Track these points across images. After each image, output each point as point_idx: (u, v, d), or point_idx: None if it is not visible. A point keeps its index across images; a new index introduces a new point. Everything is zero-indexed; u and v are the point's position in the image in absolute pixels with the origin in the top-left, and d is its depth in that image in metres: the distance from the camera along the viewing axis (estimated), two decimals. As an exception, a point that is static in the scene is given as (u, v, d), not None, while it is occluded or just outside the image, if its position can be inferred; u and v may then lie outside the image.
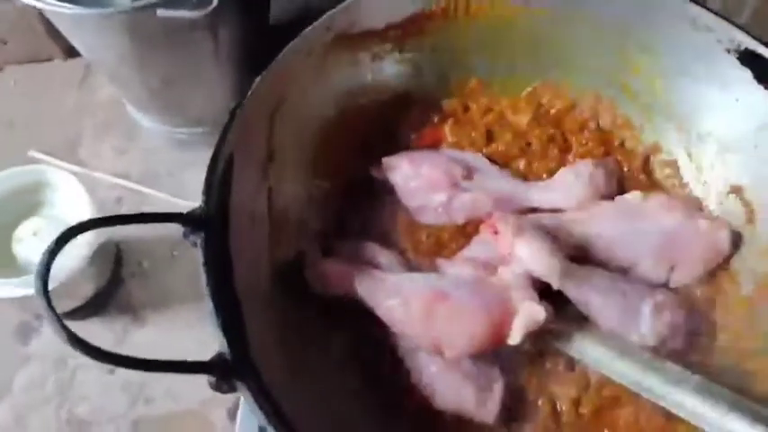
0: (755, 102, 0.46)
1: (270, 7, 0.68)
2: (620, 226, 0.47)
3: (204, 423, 0.56)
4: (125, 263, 0.63)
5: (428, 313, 0.42)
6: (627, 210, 0.48)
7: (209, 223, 0.38)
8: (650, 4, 0.49)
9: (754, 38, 0.46)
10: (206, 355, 0.57)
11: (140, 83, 0.62)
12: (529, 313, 0.41)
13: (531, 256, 0.42)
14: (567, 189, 0.50)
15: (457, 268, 0.46)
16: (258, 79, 0.43)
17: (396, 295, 0.44)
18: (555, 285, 0.43)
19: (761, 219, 0.47)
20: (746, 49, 0.46)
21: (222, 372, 0.34)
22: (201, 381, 0.57)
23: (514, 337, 0.42)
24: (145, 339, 0.60)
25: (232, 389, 0.34)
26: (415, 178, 0.51)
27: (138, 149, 0.70)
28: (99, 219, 0.35)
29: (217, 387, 0.34)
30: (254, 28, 0.62)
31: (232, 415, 0.55)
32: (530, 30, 0.52)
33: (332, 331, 0.47)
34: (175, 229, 0.38)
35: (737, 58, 0.47)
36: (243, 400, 0.51)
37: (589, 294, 0.44)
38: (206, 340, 0.56)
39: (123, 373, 0.58)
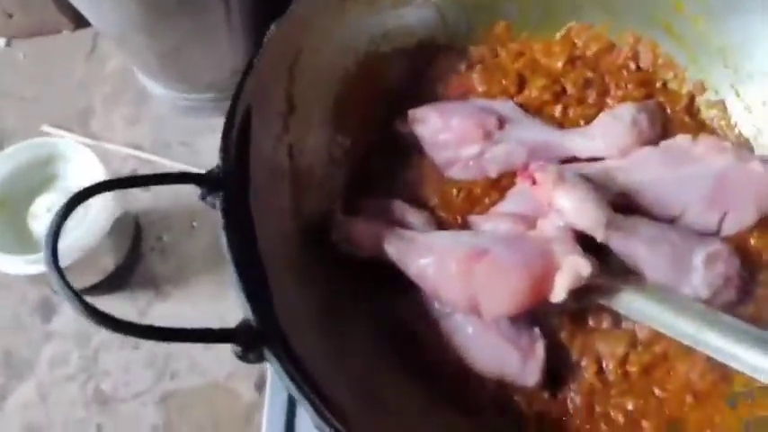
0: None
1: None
2: (666, 172, 0.44)
3: (231, 395, 0.55)
4: (144, 236, 0.63)
5: (465, 272, 0.40)
6: (673, 154, 0.45)
7: (228, 182, 0.35)
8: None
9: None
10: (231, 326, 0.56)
11: (150, 50, 0.61)
12: (573, 268, 0.38)
13: (573, 208, 0.40)
14: (607, 135, 0.47)
15: (492, 224, 0.43)
16: (273, 27, 0.41)
17: (428, 254, 0.42)
18: (599, 238, 0.40)
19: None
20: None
21: (248, 340, 0.32)
22: (225, 354, 0.55)
23: (558, 294, 0.39)
24: (168, 313, 0.59)
25: (259, 358, 0.32)
26: (445, 131, 0.48)
27: (149, 119, 0.69)
28: (112, 180, 0.33)
29: (243, 357, 0.32)
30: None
31: (258, 387, 0.55)
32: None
33: (362, 295, 0.45)
34: (194, 199, 0.36)
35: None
36: (270, 371, 0.50)
37: (636, 246, 0.41)
38: (230, 312, 0.56)
39: (147, 348, 0.58)
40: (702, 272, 0.41)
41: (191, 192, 0.36)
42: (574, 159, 0.48)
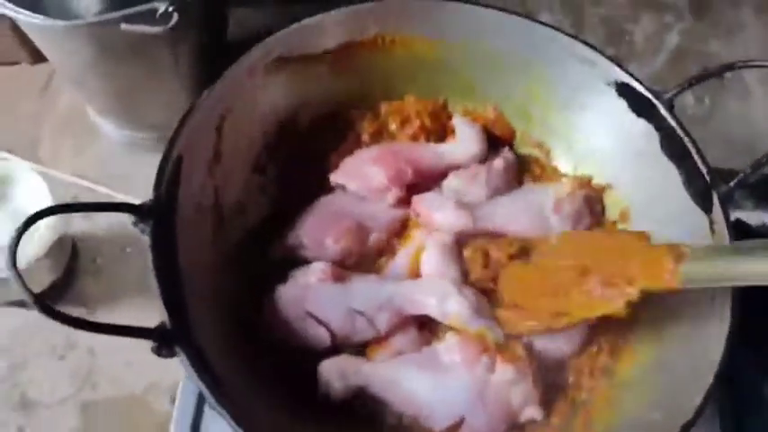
0: (630, 127, 0.55)
1: (227, 26, 0.73)
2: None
3: (147, 407, 0.60)
4: (80, 258, 0.67)
5: None
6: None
7: (158, 213, 0.44)
8: (543, 41, 0.57)
9: (629, 74, 0.54)
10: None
11: (103, 90, 0.67)
12: None
13: (443, 215, 0.52)
14: (465, 142, 0.59)
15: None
16: (205, 93, 0.49)
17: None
18: (471, 225, 0.52)
19: (633, 211, 0.57)
20: (623, 82, 0.54)
21: (162, 337, 0.39)
22: (144, 369, 0.61)
23: None
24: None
25: (171, 353, 0.40)
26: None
27: (95, 151, 0.74)
28: (62, 205, 0.40)
29: (157, 351, 0.40)
30: (212, 44, 0.67)
31: (173, 401, 0.58)
32: (446, 60, 0.60)
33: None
34: (127, 228, 0.43)
35: (615, 90, 0.55)
36: (180, 385, 0.56)
37: (501, 215, 0.54)
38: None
39: (72, 360, 0.62)
40: (555, 216, 0.53)
41: (125, 220, 0.43)
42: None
